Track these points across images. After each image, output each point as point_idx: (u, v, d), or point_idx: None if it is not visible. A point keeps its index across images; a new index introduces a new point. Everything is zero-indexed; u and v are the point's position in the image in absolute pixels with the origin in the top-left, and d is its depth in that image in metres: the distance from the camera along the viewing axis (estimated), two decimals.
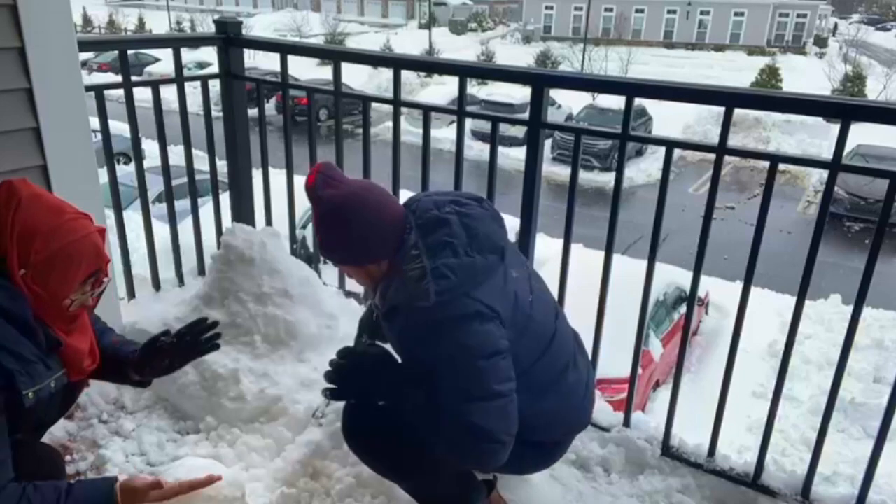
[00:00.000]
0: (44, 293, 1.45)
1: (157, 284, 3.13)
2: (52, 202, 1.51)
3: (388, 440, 1.73)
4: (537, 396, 1.68)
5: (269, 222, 3.13)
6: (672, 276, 7.55)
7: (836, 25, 43.19)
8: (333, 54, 2.84)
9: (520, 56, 30.47)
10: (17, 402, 1.42)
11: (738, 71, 29.40)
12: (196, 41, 4.79)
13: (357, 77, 18.94)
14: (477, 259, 1.57)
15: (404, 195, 2.66)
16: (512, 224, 2.45)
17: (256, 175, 3.24)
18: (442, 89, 19.19)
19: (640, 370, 2.50)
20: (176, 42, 2.98)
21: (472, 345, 1.52)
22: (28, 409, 1.46)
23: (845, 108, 1.85)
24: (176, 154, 3.43)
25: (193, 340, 1.78)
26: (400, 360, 1.71)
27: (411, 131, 6.60)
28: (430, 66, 7.50)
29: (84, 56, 3.13)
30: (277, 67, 2.87)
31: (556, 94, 17.05)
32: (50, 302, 1.47)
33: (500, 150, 2.49)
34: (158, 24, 38.80)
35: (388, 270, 1.65)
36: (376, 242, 1.63)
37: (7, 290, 1.41)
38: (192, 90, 3.21)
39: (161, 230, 3.11)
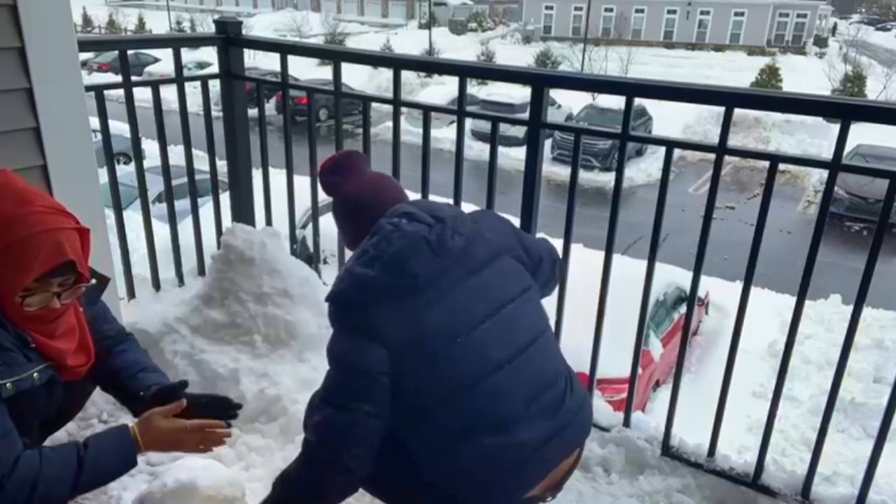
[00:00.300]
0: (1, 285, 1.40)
1: (157, 284, 3.13)
2: (22, 193, 1.43)
3: None
4: (436, 445, 1.56)
5: (269, 222, 3.13)
6: (672, 276, 7.54)
7: (835, 25, 43.13)
8: (333, 54, 2.84)
9: (520, 56, 30.46)
10: None
11: (738, 71, 29.38)
12: (196, 41, 4.79)
13: (357, 77, 18.93)
14: (375, 275, 1.50)
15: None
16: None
17: (256, 175, 3.24)
18: (442, 89, 19.19)
19: (640, 370, 2.50)
20: (176, 42, 2.98)
21: (341, 353, 1.53)
22: (11, 402, 1.42)
23: (845, 108, 1.85)
24: (176, 154, 3.43)
25: (215, 410, 1.70)
26: None
27: (411, 131, 6.59)
28: (430, 66, 7.50)
29: (84, 56, 3.13)
30: (277, 67, 2.87)
31: (556, 94, 17.06)
32: (3, 296, 1.41)
33: (500, 150, 2.49)
34: (158, 24, 38.80)
35: None
36: (358, 234, 1.65)
37: None
38: (192, 90, 3.21)
39: (161, 230, 3.11)
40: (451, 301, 1.53)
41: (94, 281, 1.59)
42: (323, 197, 3.02)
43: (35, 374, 1.47)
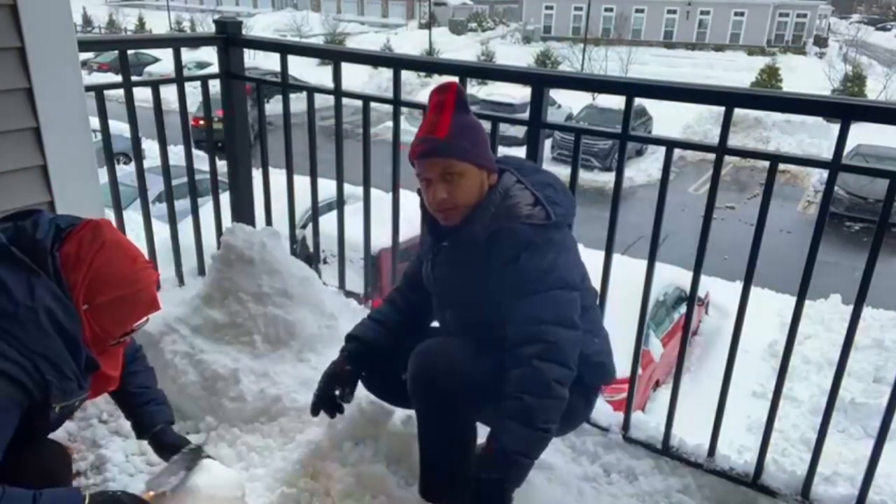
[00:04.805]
0: (98, 329, 1.54)
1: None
2: (130, 251, 1.60)
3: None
4: (595, 335, 1.88)
5: (269, 222, 3.13)
6: (672, 276, 7.54)
7: (828, 26, 42.95)
8: (333, 54, 2.84)
9: (520, 56, 30.45)
10: (45, 413, 1.49)
11: (738, 71, 29.38)
12: (196, 41, 4.80)
13: (357, 77, 18.93)
14: (570, 199, 1.81)
15: (405, 195, 2.67)
16: None
17: (256, 175, 3.24)
18: None
19: (640, 370, 2.50)
20: (176, 42, 2.98)
21: (564, 271, 1.71)
22: (48, 420, 1.52)
23: (845, 108, 1.85)
24: (176, 154, 3.43)
25: None
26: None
27: (411, 131, 6.58)
28: (430, 66, 7.50)
29: (84, 56, 3.12)
30: (277, 67, 2.87)
31: (556, 94, 17.05)
32: (100, 336, 1.56)
33: (500, 149, 2.49)
34: (158, 24, 38.78)
35: (489, 195, 1.76)
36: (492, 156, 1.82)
37: (68, 310, 1.48)
38: (192, 90, 3.21)
39: (161, 230, 3.11)
40: None
41: None
42: (323, 197, 3.04)
43: (77, 403, 1.58)
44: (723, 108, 1.99)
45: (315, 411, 1.99)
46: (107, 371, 1.64)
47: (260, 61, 10.46)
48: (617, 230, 2.30)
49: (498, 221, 1.72)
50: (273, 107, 3.09)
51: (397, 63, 2.63)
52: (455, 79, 2.41)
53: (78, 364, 1.52)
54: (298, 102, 3.04)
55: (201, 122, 3.29)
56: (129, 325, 1.61)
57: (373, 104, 2.78)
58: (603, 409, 2.46)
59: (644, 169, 17.05)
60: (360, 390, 2.13)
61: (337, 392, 1.98)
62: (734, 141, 2.23)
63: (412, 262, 2.11)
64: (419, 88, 23.66)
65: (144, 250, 3.04)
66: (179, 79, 2.88)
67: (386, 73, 18.21)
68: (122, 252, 1.57)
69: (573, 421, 2.05)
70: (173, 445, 1.87)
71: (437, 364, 1.75)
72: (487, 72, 3.82)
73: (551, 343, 1.64)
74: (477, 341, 1.76)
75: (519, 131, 3.09)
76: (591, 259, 2.62)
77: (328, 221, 3.11)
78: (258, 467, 2.25)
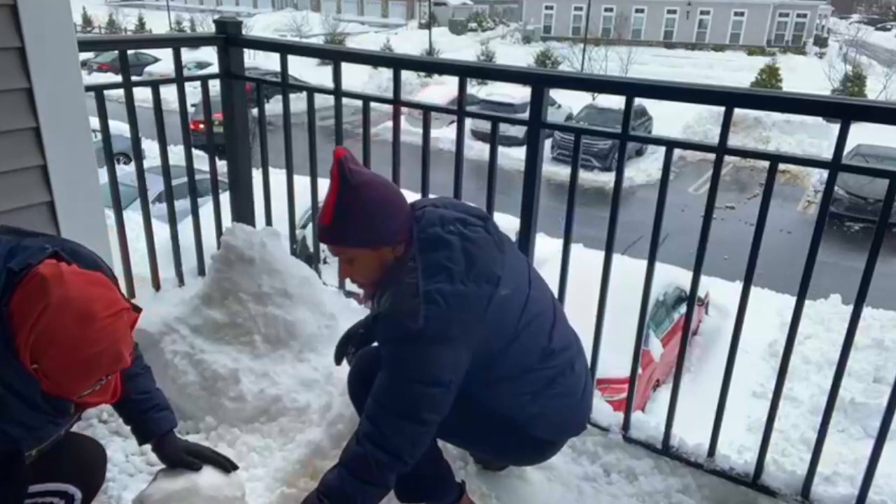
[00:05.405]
0: (55, 386, 1.40)
1: (156, 284, 3.12)
2: (85, 308, 1.35)
3: None
4: (534, 398, 1.75)
5: (269, 222, 3.13)
6: (672, 276, 7.54)
7: (827, 27, 42.94)
8: (333, 54, 2.84)
9: (520, 56, 30.46)
10: (20, 461, 1.47)
11: (738, 71, 29.41)
12: (196, 41, 4.78)
13: (357, 77, 18.91)
14: (470, 288, 1.56)
15: (405, 195, 2.67)
16: (512, 224, 2.46)
17: (256, 175, 3.24)
18: (442, 89, 19.17)
19: (640, 370, 2.50)
20: (176, 42, 2.98)
21: (429, 366, 1.57)
22: (24, 463, 1.50)
23: (845, 108, 1.85)
24: (176, 154, 3.42)
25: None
26: None
27: (411, 131, 6.59)
28: (430, 66, 7.49)
29: (84, 56, 3.12)
30: (277, 67, 2.87)
31: (556, 94, 17.05)
32: (60, 393, 1.43)
33: (500, 150, 2.49)
34: (158, 24, 38.78)
35: (389, 273, 1.66)
36: (400, 222, 1.64)
37: (17, 371, 1.36)
38: (192, 90, 3.20)
39: (161, 230, 3.11)
40: (505, 286, 1.68)
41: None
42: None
43: (62, 431, 1.56)
44: (723, 108, 1.99)
45: (338, 361, 2.12)
46: (93, 401, 1.55)
47: (260, 61, 10.47)
48: (617, 230, 2.29)
49: (380, 305, 1.65)
50: (273, 107, 3.09)
51: (397, 63, 2.63)
52: (454, 78, 2.42)
53: (46, 413, 1.45)
54: (298, 102, 3.05)
55: (201, 126, 3.27)
56: (87, 386, 1.42)
57: (373, 104, 2.78)
58: (603, 409, 2.46)
59: (644, 169, 17.06)
60: None
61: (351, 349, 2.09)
62: (734, 141, 2.23)
63: None
64: (419, 88, 23.68)
65: (144, 250, 3.06)
66: (179, 79, 2.88)
67: (386, 73, 18.21)
68: (71, 312, 1.33)
69: (524, 462, 2.08)
70: (175, 459, 1.85)
71: (362, 371, 1.86)
72: (487, 72, 3.82)
73: (384, 432, 1.59)
74: None
75: (519, 131, 3.10)
76: (591, 259, 2.64)
77: None
78: (258, 467, 2.25)
